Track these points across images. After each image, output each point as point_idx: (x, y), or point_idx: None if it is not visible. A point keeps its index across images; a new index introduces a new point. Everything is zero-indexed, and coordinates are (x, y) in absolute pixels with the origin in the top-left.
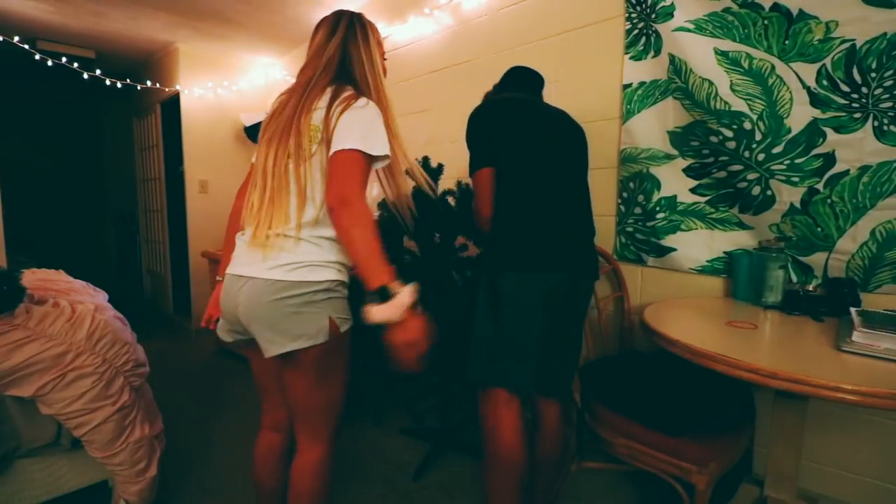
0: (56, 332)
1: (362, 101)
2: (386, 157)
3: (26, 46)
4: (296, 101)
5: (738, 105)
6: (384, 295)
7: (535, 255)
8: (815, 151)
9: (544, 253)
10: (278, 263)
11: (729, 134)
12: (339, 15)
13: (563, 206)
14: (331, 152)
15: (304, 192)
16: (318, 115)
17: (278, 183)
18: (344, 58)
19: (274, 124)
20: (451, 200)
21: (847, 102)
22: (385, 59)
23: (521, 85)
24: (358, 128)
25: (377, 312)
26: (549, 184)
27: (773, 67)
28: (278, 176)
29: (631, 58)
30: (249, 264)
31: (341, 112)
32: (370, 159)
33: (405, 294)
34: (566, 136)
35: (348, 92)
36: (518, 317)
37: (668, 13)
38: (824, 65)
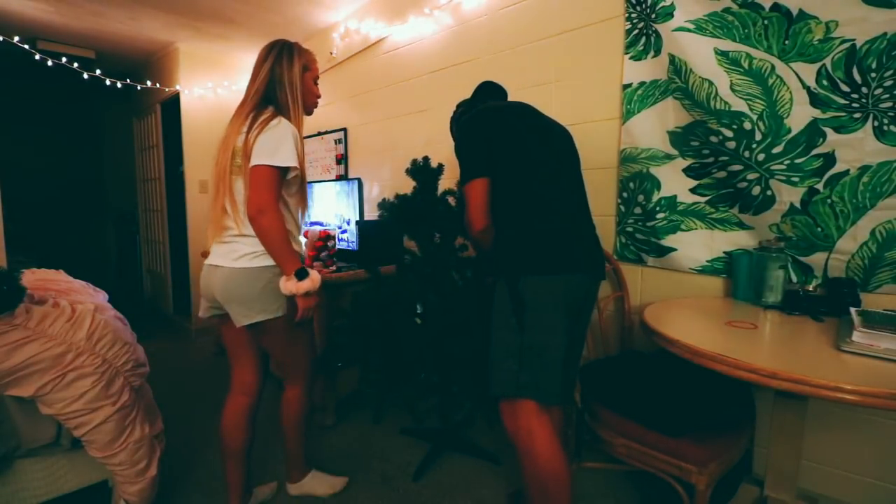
0: (56, 332)
1: (275, 120)
2: (294, 167)
3: (26, 46)
4: (232, 121)
5: (738, 105)
6: (302, 275)
7: (556, 258)
8: (815, 151)
9: (564, 255)
10: (240, 255)
11: (729, 134)
12: (273, 44)
13: (569, 207)
14: (248, 167)
15: (235, 199)
16: (241, 138)
17: (222, 187)
18: (270, 81)
19: (224, 139)
20: (451, 200)
21: (847, 102)
22: (317, 84)
23: (495, 97)
24: (269, 145)
25: (300, 286)
26: (554, 186)
27: (773, 67)
28: (222, 182)
29: (631, 58)
30: (220, 256)
31: (258, 134)
32: (280, 171)
33: (315, 273)
34: (559, 137)
35: (266, 114)
36: (545, 323)
37: (668, 13)
38: (824, 65)
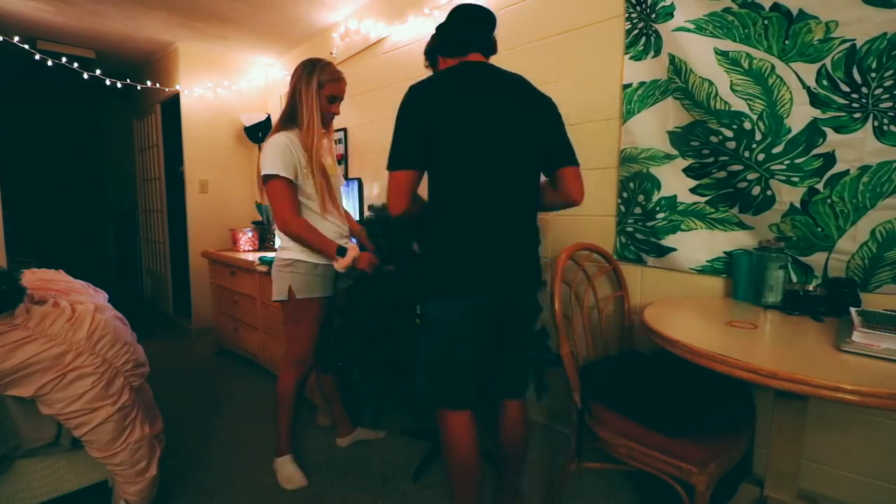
0: (56, 332)
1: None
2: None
3: (26, 46)
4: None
5: (738, 105)
6: (342, 252)
7: (458, 282)
8: (815, 151)
9: (469, 278)
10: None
11: (729, 134)
12: (299, 65)
13: (501, 217)
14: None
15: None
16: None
17: None
18: (292, 100)
19: None
20: None
21: (847, 102)
22: (335, 100)
23: (473, 38)
24: (263, 160)
25: (345, 260)
26: (488, 192)
27: (773, 67)
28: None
29: (631, 58)
30: None
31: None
32: (282, 180)
33: (352, 247)
34: (519, 116)
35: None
36: (444, 342)
37: (668, 13)
38: (824, 65)
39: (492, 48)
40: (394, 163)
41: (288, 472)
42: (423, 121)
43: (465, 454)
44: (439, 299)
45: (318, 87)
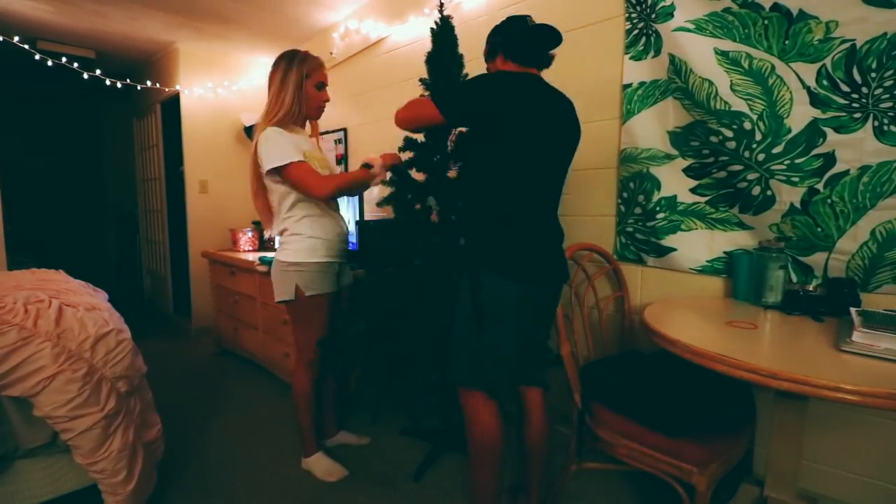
0: (49, 332)
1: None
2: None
3: (26, 46)
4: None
5: (738, 105)
6: (368, 166)
7: (518, 266)
8: (815, 151)
9: (528, 267)
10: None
11: (729, 134)
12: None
13: (548, 217)
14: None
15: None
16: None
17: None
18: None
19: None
20: (433, 217)
21: (847, 102)
22: (321, 89)
23: (540, 56)
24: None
25: (377, 169)
26: (542, 192)
27: (773, 67)
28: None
29: (631, 58)
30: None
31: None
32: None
33: (372, 157)
34: (567, 133)
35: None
36: (500, 327)
37: (668, 13)
38: (824, 65)
39: (548, 64)
40: (439, 99)
41: (324, 466)
42: (495, 102)
43: (496, 438)
44: (500, 278)
45: (304, 77)
